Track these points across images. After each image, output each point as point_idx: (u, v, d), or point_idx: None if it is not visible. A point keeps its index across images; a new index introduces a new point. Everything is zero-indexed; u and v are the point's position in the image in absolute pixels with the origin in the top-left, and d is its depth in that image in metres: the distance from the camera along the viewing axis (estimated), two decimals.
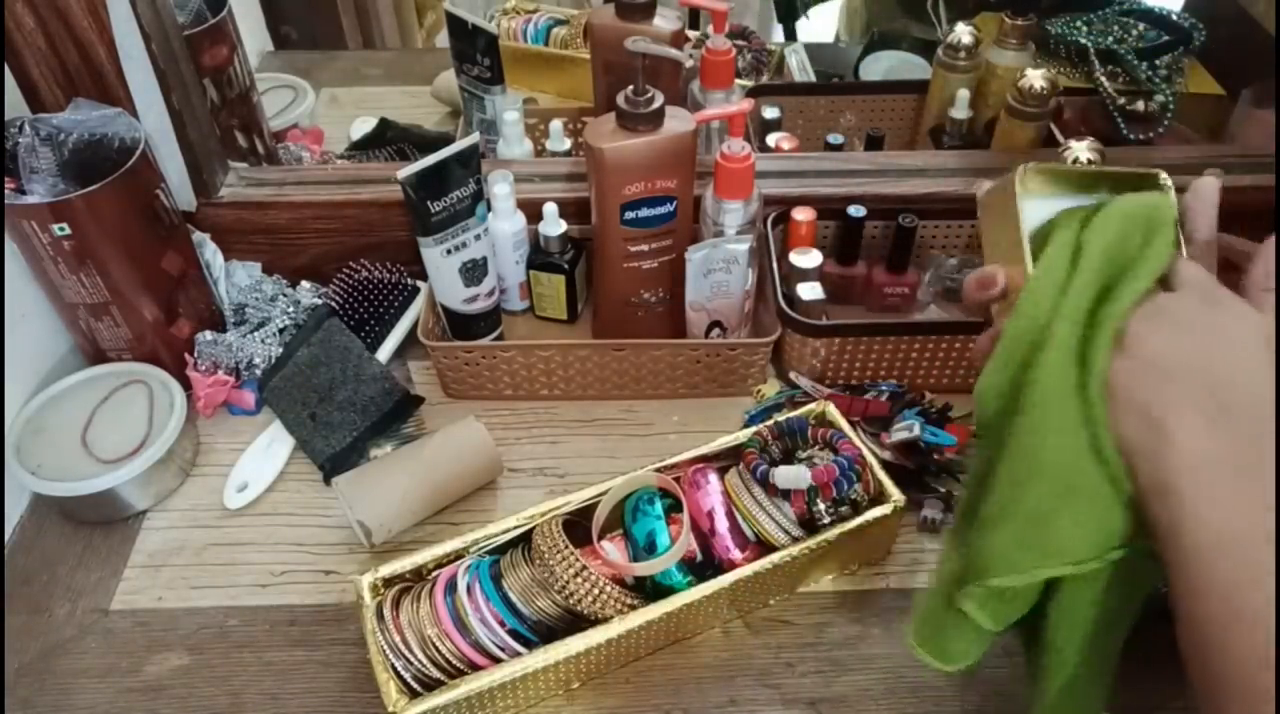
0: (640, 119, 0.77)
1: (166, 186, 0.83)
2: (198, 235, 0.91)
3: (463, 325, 0.90)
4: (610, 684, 0.70)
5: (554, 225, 0.91)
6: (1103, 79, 1.04)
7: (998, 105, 0.98)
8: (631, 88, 0.76)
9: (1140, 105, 1.04)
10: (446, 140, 0.88)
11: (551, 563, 0.65)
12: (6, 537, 0.80)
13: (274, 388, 0.87)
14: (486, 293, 0.89)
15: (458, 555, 0.69)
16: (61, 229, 0.75)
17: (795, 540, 0.70)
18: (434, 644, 0.64)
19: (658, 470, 0.73)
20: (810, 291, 0.87)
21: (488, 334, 0.92)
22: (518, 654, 0.64)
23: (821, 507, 0.71)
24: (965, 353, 0.87)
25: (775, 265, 0.88)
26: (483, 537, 0.69)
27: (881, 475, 0.73)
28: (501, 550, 0.70)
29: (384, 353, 0.91)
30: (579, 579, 0.65)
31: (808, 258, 0.88)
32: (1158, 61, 1.04)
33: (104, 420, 0.81)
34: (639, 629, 0.66)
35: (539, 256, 0.93)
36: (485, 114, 1.01)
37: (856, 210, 0.91)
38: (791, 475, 0.69)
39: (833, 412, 0.78)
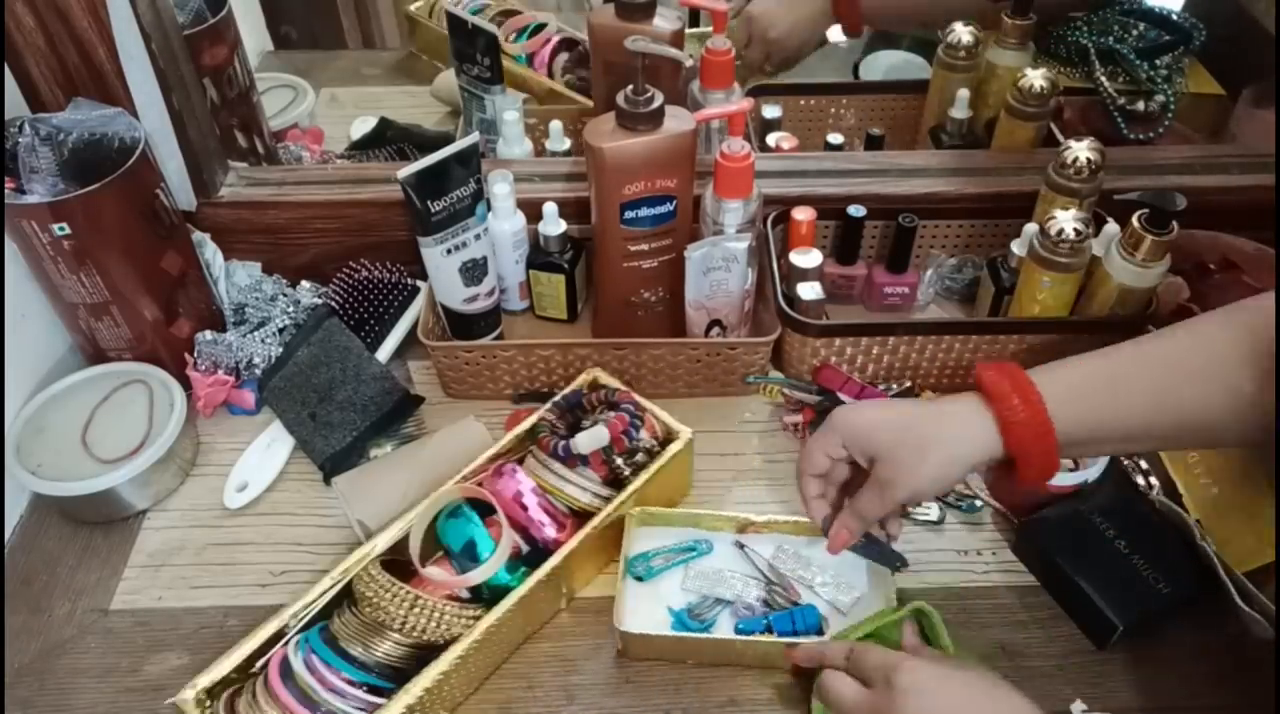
0: (640, 119, 0.77)
1: (166, 186, 0.83)
2: (198, 235, 0.91)
3: (463, 325, 0.90)
4: (609, 684, 0.70)
5: (554, 225, 0.91)
6: (1103, 79, 1.04)
7: (998, 105, 0.98)
8: (631, 87, 0.76)
9: (1140, 105, 1.04)
10: (446, 140, 0.88)
11: (382, 603, 0.65)
12: (6, 537, 0.80)
13: (274, 388, 0.87)
14: (486, 293, 0.89)
15: (279, 636, 0.66)
16: (61, 229, 0.75)
17: (607, 500, 0.73)
18: None
19: (457, 482, 0.73)
20: (810, 291, 0.87)
21: (488, 334, 0.92)
22: (378, 706, 0.62)
23: (619, 461, 0.74)
24: (965, 353, 0.87)
25: (775, 265, 0.88)
26: (300, 608, 0.66)
27: (664, 416, 0.77)
28: (324, 615, 0.67)
29: (384, 353, 0.91)
30: (416, 610, 0.65)
31: (808, 258, 0.88)
32: (1158, 61, 1.04)
33: (104, 420, 0.81)
34: (490, 635, 0.66)
35: (539, 256, 0.93)
36: (485, 114, 1.01)
37: (856, 210, 0.91)
38: (591, 437, 0.73)
39: (602, 375, 0.81)
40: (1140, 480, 0.78)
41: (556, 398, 0.79)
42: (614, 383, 0.81)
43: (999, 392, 0.61)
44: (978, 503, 0.79)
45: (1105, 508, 0.75)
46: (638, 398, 0.78)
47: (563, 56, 1.14)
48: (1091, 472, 0.76)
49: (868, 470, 0.65)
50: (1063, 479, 0.75)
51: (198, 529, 0.81)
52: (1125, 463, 0.79)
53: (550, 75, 1.13)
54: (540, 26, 1.13)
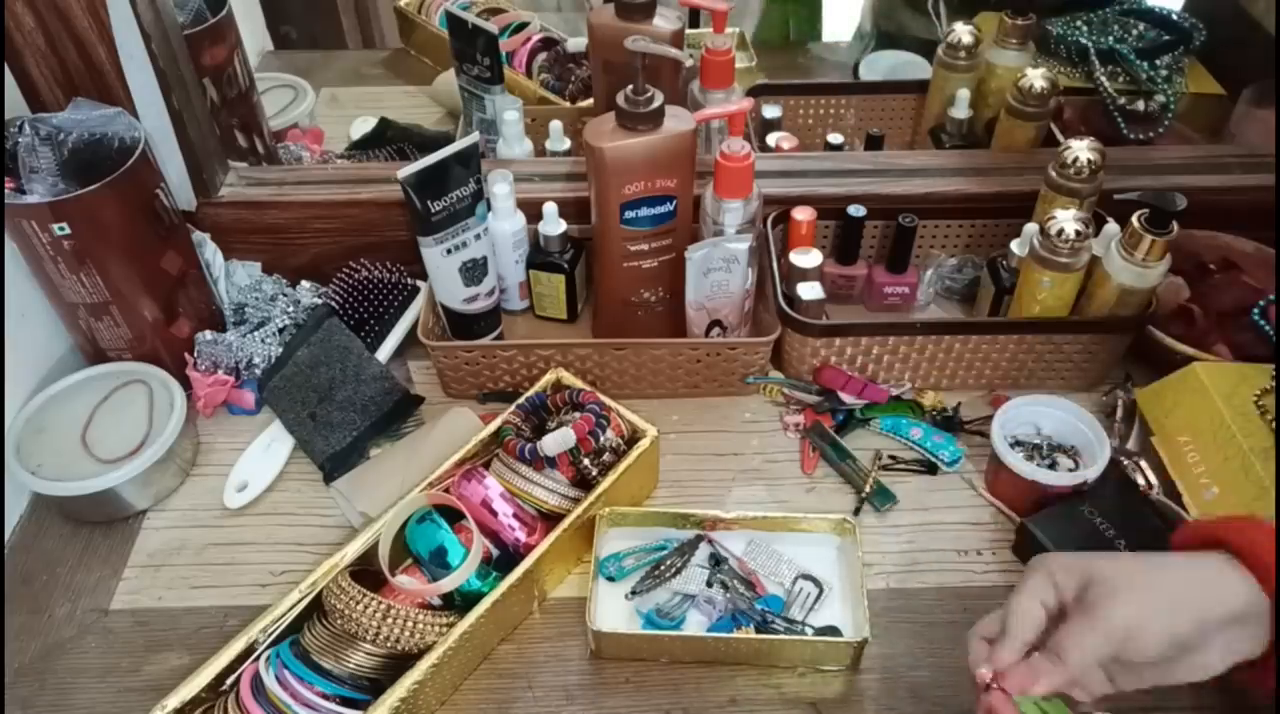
0: (640, 118, 0.77)
1: (166, 186, 0.83)
2: (198, 235, 0.91)
3: (463, 325, 0.90)
4: (609, 684, 0.70)
5: (554, 225, 0.91)
6: (1103, 79, 1.04)
7: (998, 105, 0.98)
8: (631, 87, 0.76)
9: (1140, 105, 1.04)
10: (446, 140, 0.88)
11: (354, 614, 0.64)
12: (6, 537, 0.80)
13: (274, 388, 0.87)
14: (486, 292, 0.89)
15: (249, 652, 0.65)
16: (61, 229, 0.75)
17: (575, 501, 0.73)
18: None
19: (423, 490, 0.72)
20: (810, 291, 0.87)
21: (488, 334, 0.92)
22: None
23: (586, 461, 0.74)
24: (965, 353, 0.87)
25: (775, 265, 0.88)
26: (269, 623, 0.66)
27: (629, 415, 0.77)
28: (294, 628, 0.67)
29: (384, 352, 0.91)
30: (389, 620, 0.64)
31: (808, 257, 0.88)
32: (1158, 61, 1.04)
33: (104, 420, 0.81)
34: (463, 642, 0.66)
35: (539, 256, 0.93)
36: (485, 114, 1.01)
37: (856, 210, 0.91)
38: (557, 439, 0.73)
39: (565, 376, 0.81)
40: (1140, 480, 0.78)
41: (520, 400, 0.79)
42: (578, 383, 0.81)
43: (1246, 537, 0.51)
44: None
45: (1105, 508, 0.75)
46: (602, 397, 0.78)
47: (541, 56, 1.14)
48: (1091, 472, 0.76)
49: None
50: (1062, 479, 0.75)
51: (198, 529, 0.81)
52: (1125, 462, 0.79)
53: (529, 74, 1.13)
54: (522, 25, 1.14)
